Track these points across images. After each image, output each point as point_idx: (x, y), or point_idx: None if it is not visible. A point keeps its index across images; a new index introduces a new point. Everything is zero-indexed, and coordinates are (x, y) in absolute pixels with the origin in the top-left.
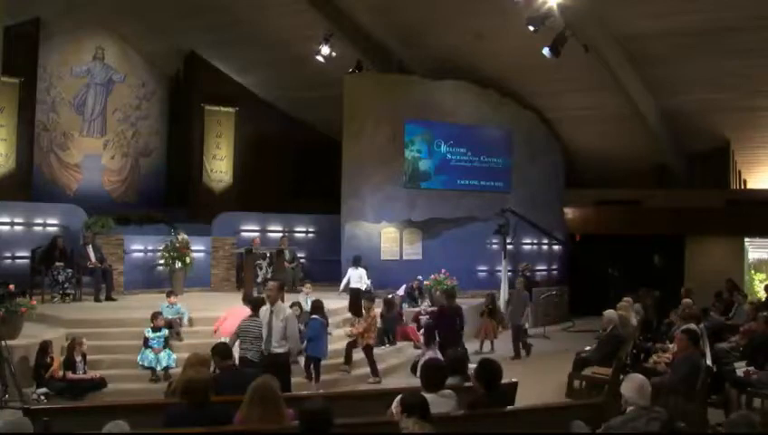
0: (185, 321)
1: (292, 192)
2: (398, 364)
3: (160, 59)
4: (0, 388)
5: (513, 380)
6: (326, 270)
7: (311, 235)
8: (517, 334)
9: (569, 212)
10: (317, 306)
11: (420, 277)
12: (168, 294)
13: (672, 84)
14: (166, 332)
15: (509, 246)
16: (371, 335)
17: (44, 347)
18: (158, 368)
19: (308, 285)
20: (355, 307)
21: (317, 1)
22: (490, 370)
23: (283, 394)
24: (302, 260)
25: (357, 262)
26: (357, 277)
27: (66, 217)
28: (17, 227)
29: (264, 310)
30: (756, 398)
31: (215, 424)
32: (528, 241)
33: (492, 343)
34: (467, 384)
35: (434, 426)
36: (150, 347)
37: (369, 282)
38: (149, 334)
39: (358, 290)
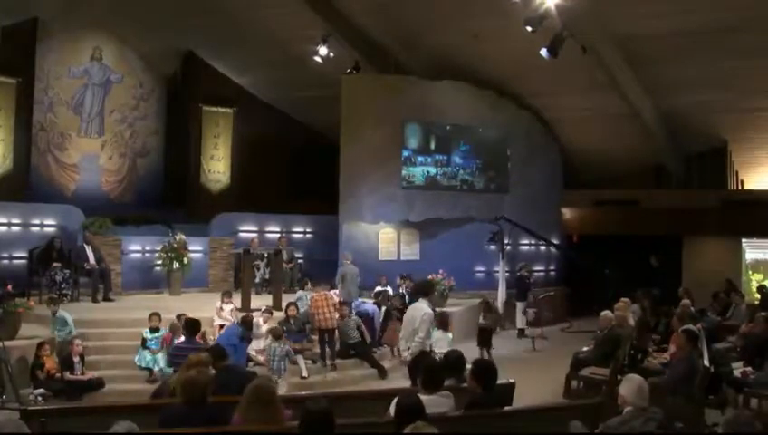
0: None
1: (290, 193)
2: (397, 364)
3: (158, 59)
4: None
5: (511, 380)
6: (324, 270)
7: (308, 235)
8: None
9: (567, 212)
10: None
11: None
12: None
13: (670, 85)
14: (164, 332)
15: (507, 247)
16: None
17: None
18: (156, 368)
19: (309, 285)
20: None
21: (315, 2)
22: (486, 370)
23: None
24: (299, 260)
25: None
26: None
27: (64, 217)
28: (14, 228)
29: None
30: (753, 398)
31: (211, 424)
32: (526, 241)
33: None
34: (464, 385)
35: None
36: (148, 348)
37: None
38: (147, 335)
39: None
